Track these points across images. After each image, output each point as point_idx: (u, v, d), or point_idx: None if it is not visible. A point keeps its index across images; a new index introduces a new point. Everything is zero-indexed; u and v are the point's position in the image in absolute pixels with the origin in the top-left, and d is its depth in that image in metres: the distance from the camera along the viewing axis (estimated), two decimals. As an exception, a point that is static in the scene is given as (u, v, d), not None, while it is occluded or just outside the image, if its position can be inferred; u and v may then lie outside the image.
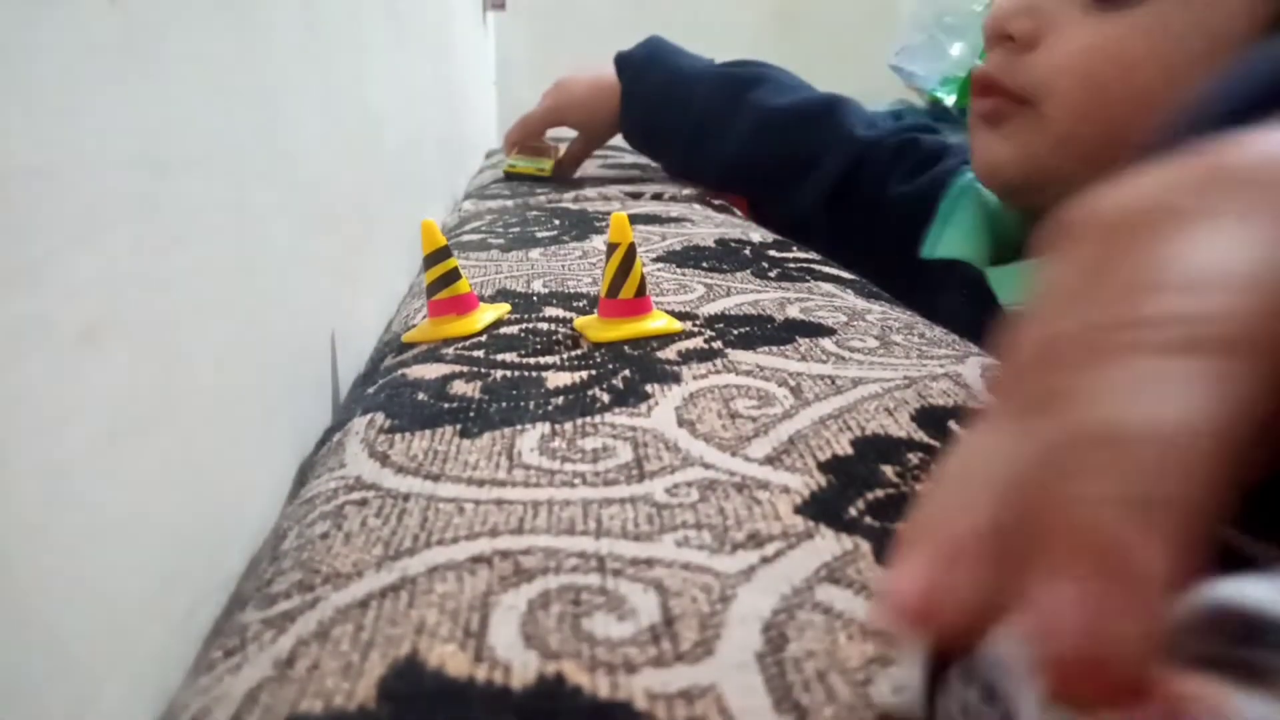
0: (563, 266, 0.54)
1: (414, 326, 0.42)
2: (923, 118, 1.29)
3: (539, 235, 0.63)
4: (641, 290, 0.40)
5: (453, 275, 0.41)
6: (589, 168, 1.00)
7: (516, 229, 0.66)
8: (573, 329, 0.41)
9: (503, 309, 0.44)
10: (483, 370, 0.36)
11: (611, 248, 0.40)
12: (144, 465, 0.23)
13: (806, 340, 0.39)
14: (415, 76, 0.73)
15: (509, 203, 0.81)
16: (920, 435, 0.29)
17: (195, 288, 0.26)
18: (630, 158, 1.05)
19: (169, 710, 0.21)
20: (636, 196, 0.82)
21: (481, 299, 0.44)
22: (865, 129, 0.77)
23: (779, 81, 0.83)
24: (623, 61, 0.89)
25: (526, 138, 0.97)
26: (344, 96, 0.46)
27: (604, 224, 0.68)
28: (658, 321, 0.40)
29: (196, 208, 0.26)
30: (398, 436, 0.30)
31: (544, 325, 0.42)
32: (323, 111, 0.42)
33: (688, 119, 0.84)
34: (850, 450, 0.28)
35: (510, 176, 0.95)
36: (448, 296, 0.41)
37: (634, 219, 0.73)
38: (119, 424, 0.22)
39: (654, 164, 0.98)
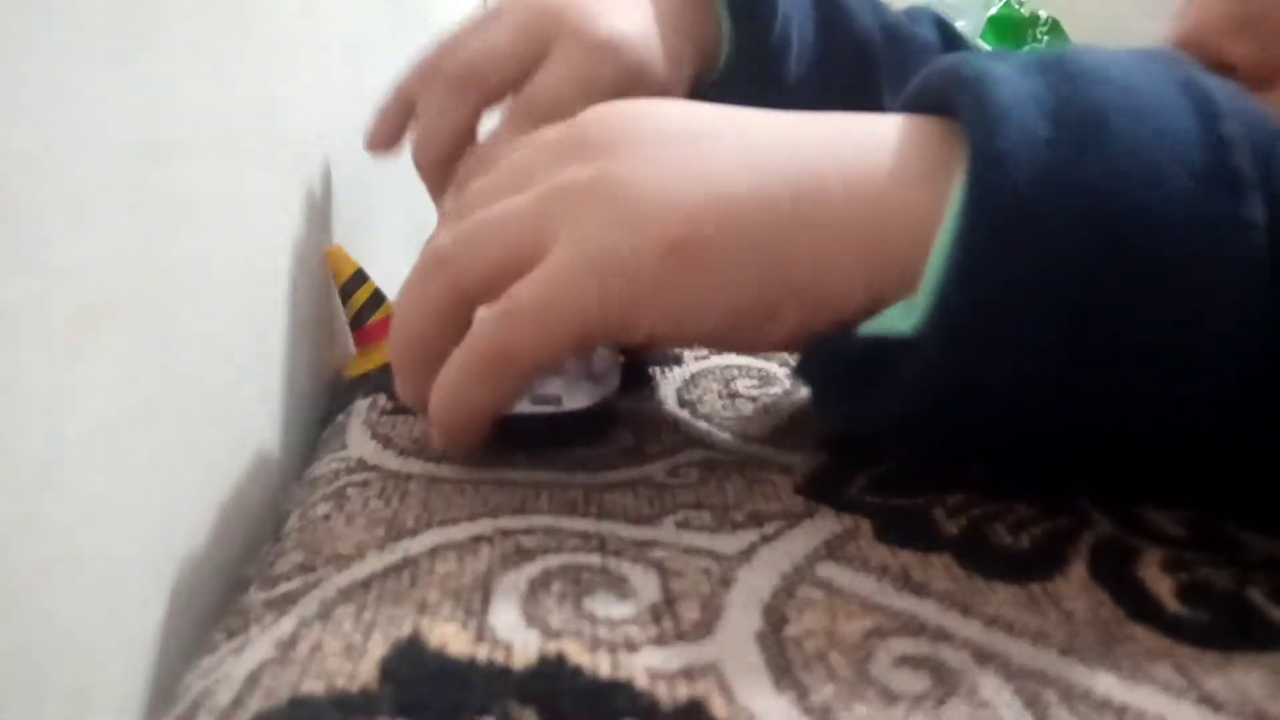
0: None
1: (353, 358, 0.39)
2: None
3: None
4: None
5: (377, 299, 0.38)
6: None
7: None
8: None
9: None
10: (484, 352, 0.36)
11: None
12: (143, 450, 0.23)
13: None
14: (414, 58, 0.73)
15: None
16: (922, 414, 0.29)
17: (192, 273, 0.26)
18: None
19: (172, 693, 0.21)
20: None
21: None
22: None
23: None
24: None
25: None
26: (341, 81, 0.46)
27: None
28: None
29: (193, 193, 0.26)
30: (400, 418, 0.30)
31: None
32: (320, 96, 0.41)
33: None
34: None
35: None
36: (381, 318, 0.37)
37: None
38: (117, 410, 0.22)
39: None
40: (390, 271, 0.57)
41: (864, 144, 0.23)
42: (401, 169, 0.60)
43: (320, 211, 0.41)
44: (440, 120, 0.35)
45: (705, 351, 0.35)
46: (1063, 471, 0.24)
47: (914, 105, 0.24)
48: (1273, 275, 0.19)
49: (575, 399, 0.25)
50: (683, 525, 0.23)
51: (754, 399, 0.31)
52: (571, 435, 0.26)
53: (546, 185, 0.24)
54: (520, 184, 0.24)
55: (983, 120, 0.21)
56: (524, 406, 0.25)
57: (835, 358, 0.24)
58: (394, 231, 0.59)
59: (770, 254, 0.22)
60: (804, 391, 0.31)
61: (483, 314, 0.24)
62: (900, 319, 0.22)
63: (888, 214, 0.22)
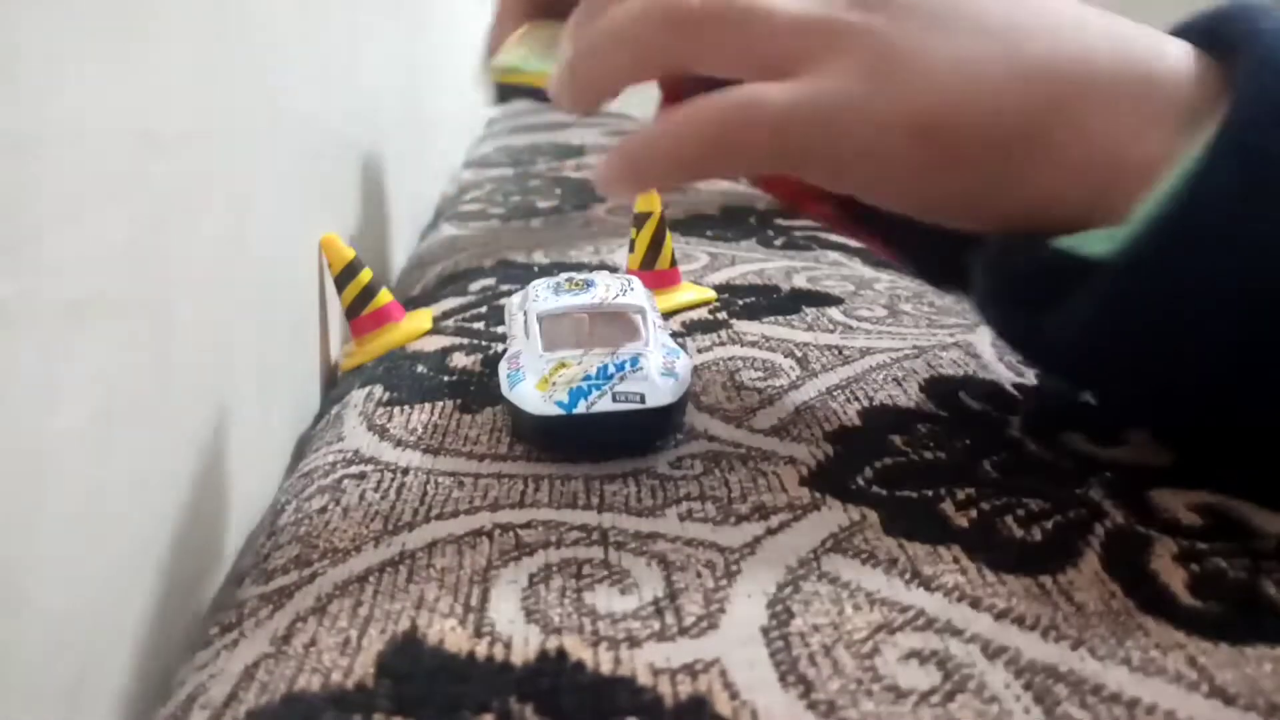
0: (565, 236, 0.53)
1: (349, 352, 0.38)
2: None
3: (540, 205, 0.62)
4: (673, 261, 0.39)
5: (372, 289, 0.37)
6: (587, 134, 0.92)
7: (517, 198, 0.65)
8: None
9: (427, 315, 0.39)
10: (483, 343, 0.35)
11: (641, 218, 0.39)
12: (138, 443, 0.22)
13: (813, 310, 0.38)
14: (411, 48, 0.72)
15: (509, 171, 0.80)
16: (929, 405, 0.29)
17: (187, 264, 0.26)
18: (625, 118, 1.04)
19: (166, 687, 0.20)
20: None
21: (482, 270, 0.44)
22: None
23: None
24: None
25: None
26: (338, 69, 0.45)
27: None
28: (688, 294, 0.39)
29: (188, 182, 0.26)
30: (396, 409, 0.30)
31: (546, 297, 0.41)
32: (317, 84, 0.41)
33: None
34: (858, 421, 0.28)
35: (509, 86, 0.54)
36: (375, 309, 0.37)
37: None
38: (111, 402, 0.21)
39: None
40: (388, 262, 0.56)
41: (1133, 65, 0.22)
42: (400, 157, 0.60)
43: (318, 201, 0.40)
44: None
45: (709, 342, 0.35)
46: (1216, 436, 0.24)
47: (1192, 35, 0.23)
48: None
49: (657, 396, 0.25)
50: (686, 517, 0.23)
51: (759, 390, 0.30)
52: (652, 430, 0.27)
53: (823, 10, 0.24)
54: None
55: (1255, 77, 0.20)
56: (608, 403, 0.25)
57: (1020, 265, 0.23)
58: (392, 221, 0.58)
59: (1010, 157, 0.22)
60: (807, 386, 0.31)
61: (729, 92, 0.24)
62: (1099, 243, 0.21)
63: (1128, 148, 0.22)
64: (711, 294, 0.40)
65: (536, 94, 0.44)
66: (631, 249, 0.39)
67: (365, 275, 0.37)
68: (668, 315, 0.38)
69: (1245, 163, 0.20)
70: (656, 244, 0.39)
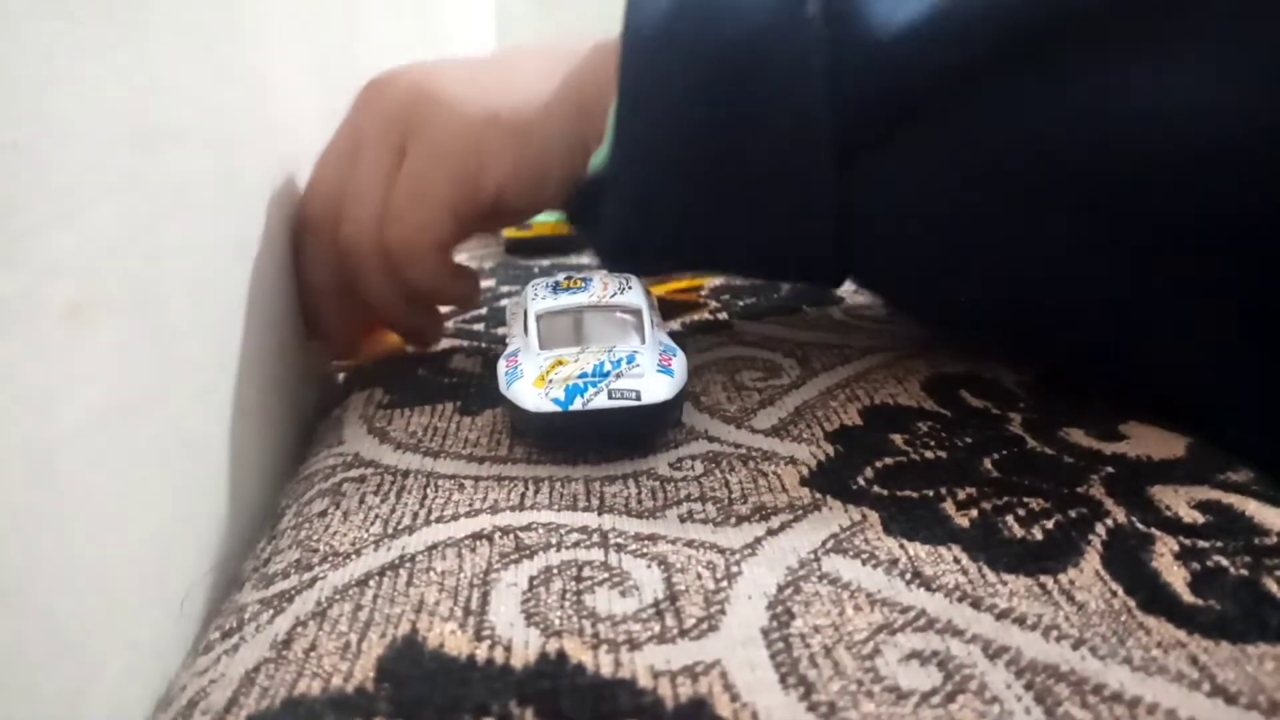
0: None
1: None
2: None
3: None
4: None
5: None
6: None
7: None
8: None
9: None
10: (483, 345, 0.35)
11: None
12: (136, 445, 0.22)
13: (814, 309, 0.38)
14: (409, 45, 0.72)
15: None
16: (930, 404, 0.29)
17: (185, 263, 0.26)
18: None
19: (167, 692, 0.20)
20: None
21: (482, 272, 0.43)
22: None
23: None
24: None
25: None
26: (336, 66, 0.45)
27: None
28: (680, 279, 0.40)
29: (184, 181, 0.26)
30: (397, 412, 0.30)
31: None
32: (314, 81, 0.41)
33: None
34: (859, 420, 0.28)
35: (519, 249, 0.53)
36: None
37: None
38: (109, 403, 0.21)
39: None
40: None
41: (597, 45, 0.30)
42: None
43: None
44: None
45: (709, 342, 0.35)
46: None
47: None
48: (831, 48, 0.25)
49: (653, 393, 0.25)
50: (686, 519, 0.23)
51: (759, 390, 0.30)
52: (648, 426, 0.27)
53: (372, 124, 0.33)
54: (350, 152, 0.33)
55: (630, 10, 0.28)
56: (604, 400, 0.25)
57: (580, 201, 0.31)
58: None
59: (561, 128, 0.31)
60: (808, 385, 0.31)
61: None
62: (599, 160, 0.29)
63: (585, 93, 0.30)
64: (701, 280, 0.40)
65: (552, 245, 0.51)
66: None
67: None
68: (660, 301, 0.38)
69: (636, 67, 0.27)
70: None
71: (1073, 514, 0.23)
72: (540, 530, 0.23)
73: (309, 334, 0.35)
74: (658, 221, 0.29)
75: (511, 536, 0.22)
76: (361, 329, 0.36)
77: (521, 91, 0.31)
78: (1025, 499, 0.23)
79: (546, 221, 0.50)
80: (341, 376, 0.37)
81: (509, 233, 0.51)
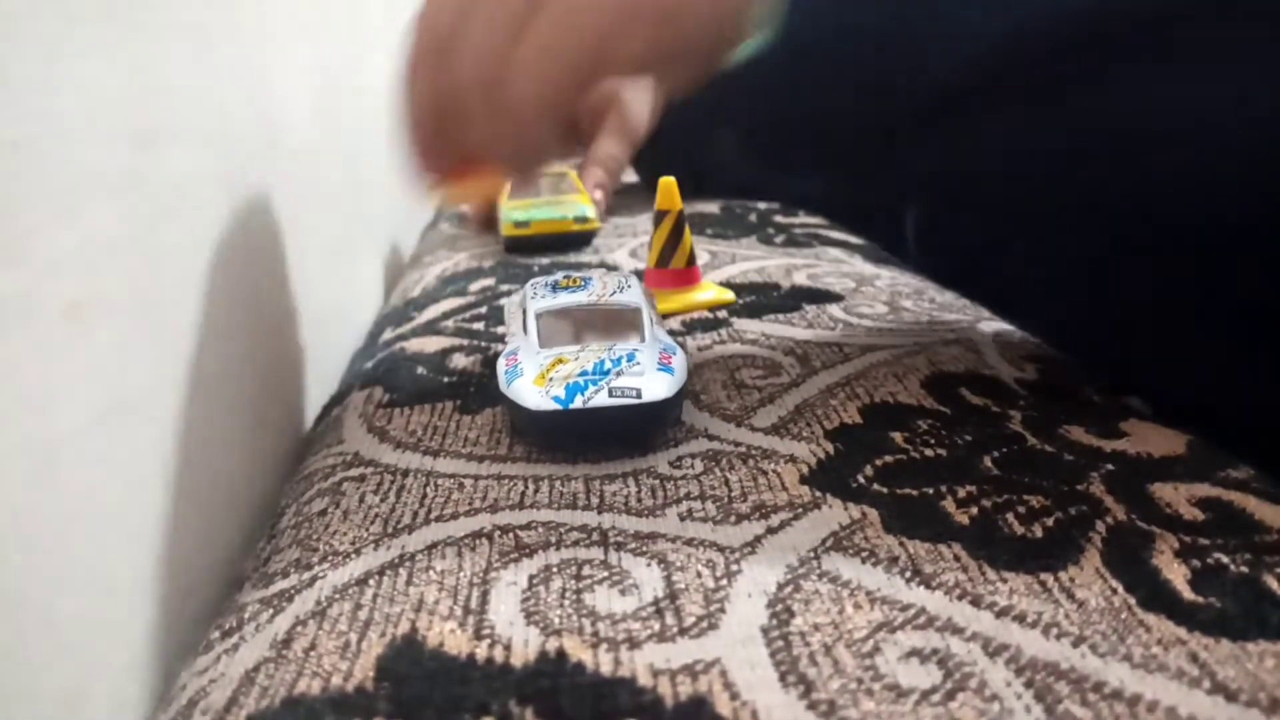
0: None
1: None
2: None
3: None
4: (691, 260, 0.39)
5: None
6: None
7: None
8: None
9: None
10: (483, 344, 0.35)
11: (660, 215, 0.38)
12: (136, 444, 0.22)
13: (814, 307, 0.38)
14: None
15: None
16: (930, 402, 0.29)
17: (184, 262, 0.26)
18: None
19: (167, 691, 0.20)
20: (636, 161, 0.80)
21: (482, 271, 0.44)
22: None
23: None
24: None
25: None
26: (335, 65, 0.45)
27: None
28: (708, 293, 0.39)
29: (184, 180, 0.26)
30: (396, 411, 0.30)
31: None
32: (315, 80, 0.41)
33: None
34: (858, 418, 0.28)
35: (518, 247, 0.51)
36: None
37: (629, 186, 0.72)
38: (108, 402, 0.21)
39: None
40: (380, 244, 0.56)
41: None
42: (389, 154, 0.59)
43: (314, 197, 0.40)
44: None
45: (709, 340, 0.35)
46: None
47: None
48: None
49: (653, 391, 0.26)
50: (686, 517, 0.23)
51: (759, 389, 0.30)
52: (648, 425, 0.27)
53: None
54: None
55: None
56: (604, 398, 0.25)
57: (720, 82, 0.31)
58: (392, 218, 0.58)
59: (684, 19, 0.30)
60: (808, 383, 0.31)
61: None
62: (749, 49, 0.31)
63: None
64: (730, 295, 0.39)
65: (550, 243, 0.50)
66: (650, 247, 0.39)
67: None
68: (668, 315, 0.37)
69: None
70: (673, 241, 0.38)
71: (1073, 511, 0.23)
72: (540, 529, 0.22)
73: (407, 166, 0.36)
74: (805, 108, 0.32)
75: (511, 535, 0.22)
76: (457, 164, 0.35)
77: None
78: (1025, 497, 0.23)
79: (547, 219, 0.50)
80: (436, 208, 0.37)
81: (508, 231, 0.51)
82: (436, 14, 0.33)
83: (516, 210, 0.51)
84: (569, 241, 0.51)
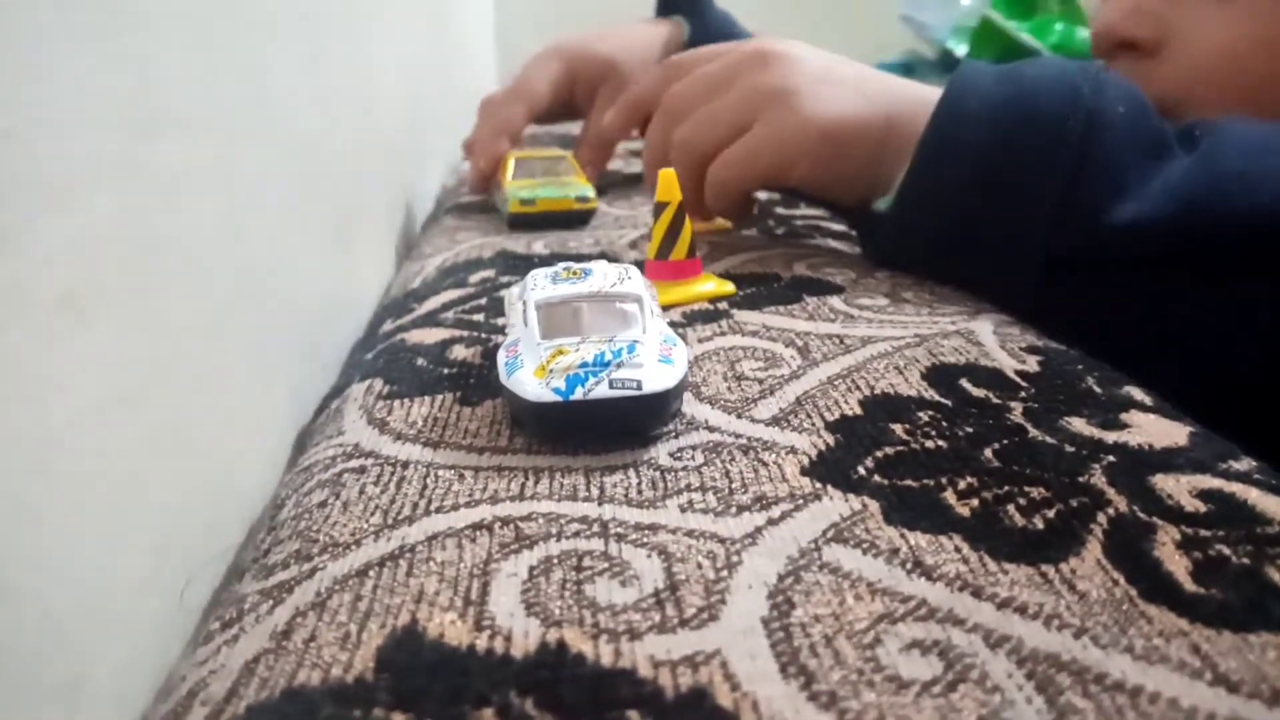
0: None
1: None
2: (934, 70, 1.26)
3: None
4: (692, 251, 0.39)
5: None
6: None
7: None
8: None
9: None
10: (483, 335, 0.35)
11: (660, 207, 0.38)
12: (134, 436, 0.22)
13: (814, 299, 0.38)
14: (409, 31, 0.72)
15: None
16: (931, 394, 0.29)
17: (182, 252, 0.25)
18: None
19: (166, 683, 0.20)
20: (636, 154, 0.80)
21: (482, 262, 0.43)
22: None
23: None
24: None
25: (507, 135, 0.63)
26: (335, 53, 0.45)
27: (607, 182, 0.66)
28: (708, 284, 0.39)
29: (181, 170, 0.26)
30: (396, 403, 0.30)
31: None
32: (313, 69, 0.41)
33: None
34: (859, 410, 0.28)
35: (523, 223, 0.54)
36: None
37: (628, 176, 0.71)
38: (106, 394, 0.21)
39: None
40: (385, 248, 0.56)
41: (914, 98, 0.40)
42: (398, 145, 0.59)
43: (312, 188, 0.40)
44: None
45: (709, 332, 0.35)
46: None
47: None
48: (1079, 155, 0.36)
49: (654, 382, 0.25)
50: (686, 508, 0.23)
51: (760, 380, 0.30)
52: (649, 417, 0.27)
53: (746, 85, 0.43)
54: (720, 86, 0.44)
55: (944, 102, 0.38)
56: (605, 390, 0.25)
57: (866, 218, 0.43)
58: (391, 208, 0.58)
59: (868, 147, 0.41)
60: (808, 375, 0.31)
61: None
62: (883, 203, 0.41)
63: (893, 132, 0.40)
64: (731, 287, 0.39)
65: (553, 220, 0.55)
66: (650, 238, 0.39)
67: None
68: (668, 307, 0.37)
69: (926, 160, 0.38)
70: (673, 233, 0.38)
71: (1074, 503, 0.23)
72: (540, 520, 0.22)
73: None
74: (915, 254, 0.41)
75: (511, 526, 0.22)
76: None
77: (850, 109, 0.41)
78: (1026, 488, 0.23)
79: (550, 197, 0.54)
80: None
81: (514, 208, 0.54)
82: (687, 87, 0.46)
83: (522, 189, 0.55)
84: (570, 219, 0.55)
